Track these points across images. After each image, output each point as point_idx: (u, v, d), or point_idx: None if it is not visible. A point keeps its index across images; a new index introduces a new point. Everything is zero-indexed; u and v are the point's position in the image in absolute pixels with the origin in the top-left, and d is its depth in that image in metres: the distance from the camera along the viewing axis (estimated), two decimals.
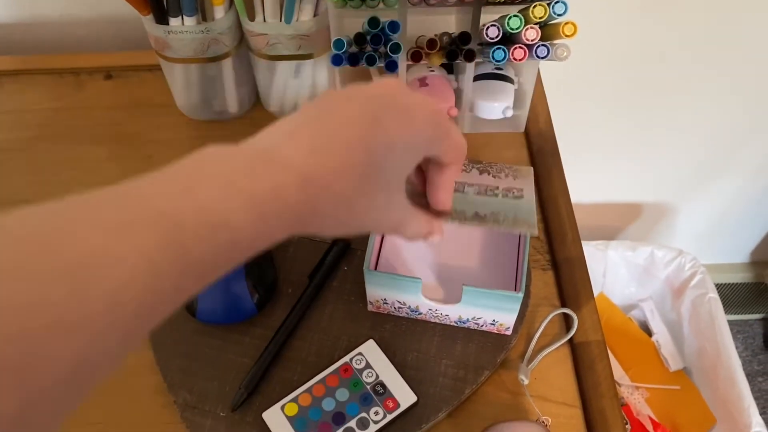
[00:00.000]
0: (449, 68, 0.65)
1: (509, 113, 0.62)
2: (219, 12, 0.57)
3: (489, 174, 0.52)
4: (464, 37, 0.54)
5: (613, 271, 1.13)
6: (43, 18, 0.74)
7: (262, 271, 0.53)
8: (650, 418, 1.04)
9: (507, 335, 0.51)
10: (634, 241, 1.12)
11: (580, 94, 0.91)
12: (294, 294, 0.54)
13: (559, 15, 0.51)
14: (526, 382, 0.49)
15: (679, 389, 1.07)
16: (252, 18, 0.57)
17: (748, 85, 0.93)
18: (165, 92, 0.68)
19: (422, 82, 0.63)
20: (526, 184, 0.50)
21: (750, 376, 1.30)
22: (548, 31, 0.52)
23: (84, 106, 0.69)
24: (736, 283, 1.41)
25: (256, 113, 0.67)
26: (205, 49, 0.59)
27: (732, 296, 1.40)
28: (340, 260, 0.56)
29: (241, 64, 0.63)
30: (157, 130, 0.66)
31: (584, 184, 1.10)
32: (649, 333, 1.15)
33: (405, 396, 0.48)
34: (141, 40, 0.72)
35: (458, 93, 0.63)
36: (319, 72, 0.63)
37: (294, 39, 0.58)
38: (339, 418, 0.47)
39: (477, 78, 0.62)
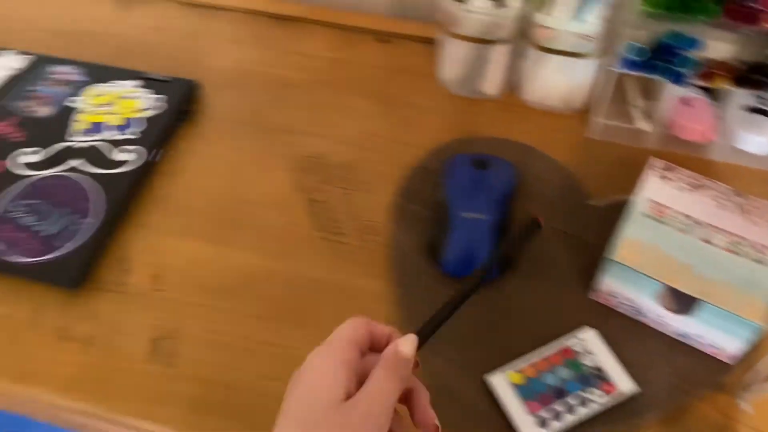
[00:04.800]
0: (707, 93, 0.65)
1: None
2: (515, 0, 0.62)
3: (749, 214, 0.53)
4: (758, 67, 0.54)
5: None
6: None
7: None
8: None
9: (724, 362, 0.52)
10: None
11: None
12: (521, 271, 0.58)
13: None
14: (750, 410, 0.50)
15: None
16: (542, 10, 0.61)
17: None
18: (430, 63, 0.74)
19: (685, 102, 0.64)
20: None
21: None
22: None
23: (356, 61, 0.76)
24: None
25: (510, 99, 0.72)
26: (489, 31, 0.64)
27: None
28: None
29: (513, 50, 0.68)
30: (417, 95, 0.73)
31: None
32: None
33: (625, 385, 0.50)
34: (414, 9, 0.79)
35: (718, 120, 0.63)
36: (585, 72, 0.66)
37: (576, 37, 0.61)
38: (560, 393, 0.50)
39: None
